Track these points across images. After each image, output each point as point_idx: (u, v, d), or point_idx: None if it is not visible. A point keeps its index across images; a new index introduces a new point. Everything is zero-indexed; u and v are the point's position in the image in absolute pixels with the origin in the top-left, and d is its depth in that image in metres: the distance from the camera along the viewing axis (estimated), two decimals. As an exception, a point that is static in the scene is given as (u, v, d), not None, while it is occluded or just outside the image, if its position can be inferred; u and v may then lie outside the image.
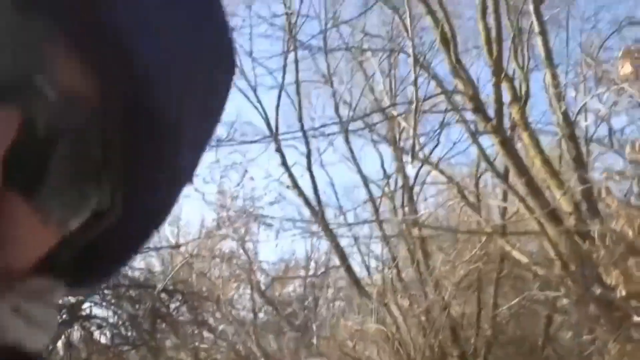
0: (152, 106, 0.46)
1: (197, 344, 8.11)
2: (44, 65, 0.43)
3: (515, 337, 9.71)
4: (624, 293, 5.70)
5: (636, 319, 5.86)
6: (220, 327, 8.98)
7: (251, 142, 9.14)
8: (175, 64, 0.48)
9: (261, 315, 10.17)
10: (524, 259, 8.43)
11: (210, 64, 0.52)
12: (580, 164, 8.42)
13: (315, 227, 9.74)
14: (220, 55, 0.53)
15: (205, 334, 8.37)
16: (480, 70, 11.28)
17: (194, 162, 0.55)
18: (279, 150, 9.32)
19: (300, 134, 9.17)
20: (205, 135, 0.55)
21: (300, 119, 9.39)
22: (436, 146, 9.72)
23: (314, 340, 8.93)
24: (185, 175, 0.54)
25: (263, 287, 10.10)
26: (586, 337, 7.11)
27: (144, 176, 0.50)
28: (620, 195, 6.24)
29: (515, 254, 8.49)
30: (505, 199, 9.14)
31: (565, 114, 8.34)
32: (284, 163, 9.41)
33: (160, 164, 0.50)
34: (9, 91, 0.42)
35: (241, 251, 9.95)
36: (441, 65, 11.06)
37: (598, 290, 6.42)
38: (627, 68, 6.33)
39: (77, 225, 0.48)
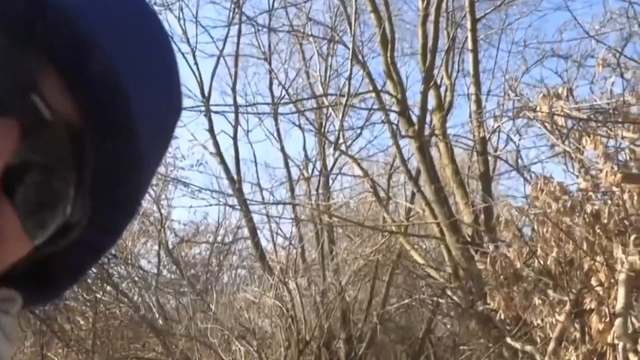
0: (124, 124, 0.50)
1: (98, 296, 8.17)
2: (38, 87, 0.46)
3: (399, 327, 10.38)
4: (502, 316, 6.26)
5: (509, 340, 6.49)
6: (123, 284, 9.06)
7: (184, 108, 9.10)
8: (145, 85, 0.52)
9: (165, 272, 10.31)
10: (419, 260, 9.01)
11: (170, 90, 0.58)
12: (486, 180, 9.05)
13: (230, 199, 9.92)
14: (176, 85, 0.59)
15: (108, 288, 8.44)
16: (410, 70, 11.69)
17: (150, 179, 0.58)
18: (207, 116, 9.38)
19: (231, 105, 9.23)
20: (163, 152, 0.60)
21: (234, 90, 9.47)
22: (357, 138, 10.10)
23: (212, 305, 9.19)
24: (144, 191, 0.57)
25: (171, 246, 10.22)
26: (463, 347, 7.75)
27: (109, 193, 0.52)
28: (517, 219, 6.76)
29: (413, 253, 9.07)
30: (412, 200, 9.65)
31: (482, 135, 8.88)
32: (211, 129, 9.48)
33: (125, 180, 0.53)
34: (9, 105, 0.45)
35: (154, 208, 10.06)
36: (376, 60, 11.36)
37: (481, 307, 7.01)
38: (544, 109, 6.89)
39: (44, 239, 0.50)
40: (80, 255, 0.56)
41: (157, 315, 8.86)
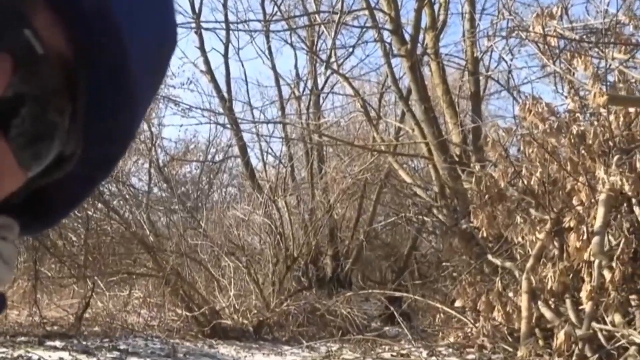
0: (117, 57, 0.51)
1: (89, 213, 8.26)
2: (31, 21, 0.47)
3: (385, 245, 10.58)
4: (485, 234, 6.38)
5: (490, 257, 6.64)
6: (115, 202, 9.13)
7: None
8: (138, 17, 0.52)
9: (155, 190, 10.38)
10: (407, 179, 9.10)
11: (165, 22, 0.57)
12: (477, 100, 9.01)
13: (221, 117, 9.88)
14: (171, 16, 0.59)
15: (100, 205, 8.50)
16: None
17: (144, 112, 0.59)
18: (198, 33, 9.20)
19: (222, 22, 9.03)
20: (157, 85, 0.60)
21: (225, 7, 9.24)
22: (349, 57, 9.96)
23: (202, 223, 9.32)
24: (137, 125, 0.58)
25: (161, 165, 10.24)
26: (446, 263, 7.93)
27: (103, 126, 0.54)
28: (504, 140, 6.79)
29: (401, 172, 9.14)
30: (403, 119, 9.63)
31: (473, 54, 8.78)
32: (202, 47, 9.32)
33: (119, 114, 0.54)
34: (0, 40, 0.45)
35: (145, 127, 9.98)
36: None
37: (464, 225, 7.13)
38: (537, 29, 6.79)
39: (39, 170, 0.51)
40: (74, 187, 0.57)
41: (147, 232, 8.98)
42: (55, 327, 7.58)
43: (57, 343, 7.06)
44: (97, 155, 0.55)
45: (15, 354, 6.30)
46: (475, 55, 8.92)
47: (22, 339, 6.87)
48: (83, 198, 0.61)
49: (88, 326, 8.43)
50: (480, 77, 9.22)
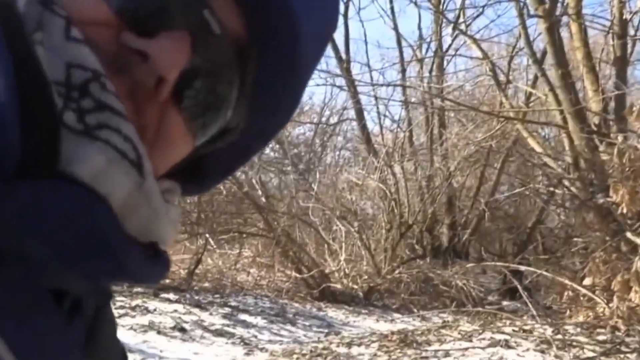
0: (289, 40, 0.53)
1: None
2: (210, 3, 0.50)
3: (508, 216, 9.98)
4: (625, 210, 5.80)
5: (629, 235, 6.02)
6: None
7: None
8: (309, 3, 0.54)
9: (268, 151, 10.32)
10: (537, 148, 8.44)
11: (331, 5, 0.59)
12: (622, 66, 8.15)
13: (338, 79, 9.62)
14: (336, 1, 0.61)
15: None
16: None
17: (305, 89, 0.61)
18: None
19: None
20: (318, 63, 0.62)
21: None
22: (479, 15, 9.33)
23: (314, 186, 9.16)
24: (299, 102, 0.61)
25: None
26: (578, 239, 7.32)
27: (267, 101, 0.56)
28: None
29: (530, 141, 8.49)
30: (534, 84, 8.94)
31: (621, 12, 7.92)
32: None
33: (283, 91, 0.57)
34: (183, 20, 0.49)
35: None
36: None
37: (601, 200, 6.52)
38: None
39: (205, 139, 0.54)
40: (232, 155, 0.60)
41: (259, 192, 8.95)
42: (168, 281, 7.74)
43: (171, 296, 7.23)
44: (257, 127, 0.58)
45: (133, 304, 6.49)
46: (623, 15, 8.04)
47: (139, 289, 7.05)
48: (238, 166, 0.63)
49: (199, 281, 8.58)
50: (628, 40, 8.31)
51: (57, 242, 0.42)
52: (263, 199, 9.10)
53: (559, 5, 8.41)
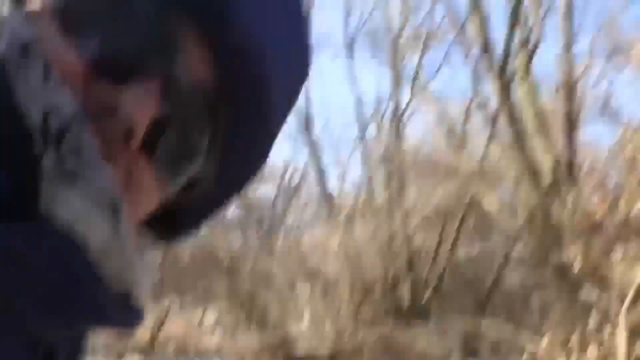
0: (259, 88, 0.53)
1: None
2: (181, 52, 0.50)
3: (467, 275, 10.05)
4: (578, 268, 5.90)
5: (583, 292, 6.11)
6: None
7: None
8: (277, 39, 0.54)
9: (231, 212, 10.33)
10: (492, 207, 8.59)
11: (303, 55, 0.59)
12: (571, 125, 8.42)
13: (299, 138, 9.77)
14: (309, 49, 0.60)
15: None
16: (493, 8, 10.98)
17: (276, 139, 0.61)
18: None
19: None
20: (289, 113, 0.61)
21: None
22: (436, 76, 9.62)
23: (277, 247, 9.17)
24: (271, 149, 0.60)
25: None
26: (534, 297, 7.40)
27: (239, 151, 0.56)
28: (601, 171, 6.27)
29: (487, 199, 8.65)
30: (489, 143, 9.17)
31: (569, 74, 8.26)
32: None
33: (255, 141, 0.56)
34: (153, 66, 0.49)
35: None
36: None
37: (556, 258, 6.63)
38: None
39: (176, 189, 0.54)
40: (204, 206, 0.59)
41: (223, 253, 8.93)
42: (132, 342, 7.62)
43: (135, 358, 7.13)
44: (229, 177, 0.58)
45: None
46: (570, 77, 8.38)
47: (102, 351, 6.95)
48: (212, 216, 0.61)
49: (163, 343, 8.45)
50: (576, 101, 8.63)
51: (33, 287, 0.41)
52: (227, 260, 9.07)
53: (510, 67, 8.75)
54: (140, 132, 0.48)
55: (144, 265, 0.51)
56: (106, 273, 0.45)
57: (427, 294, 9.21)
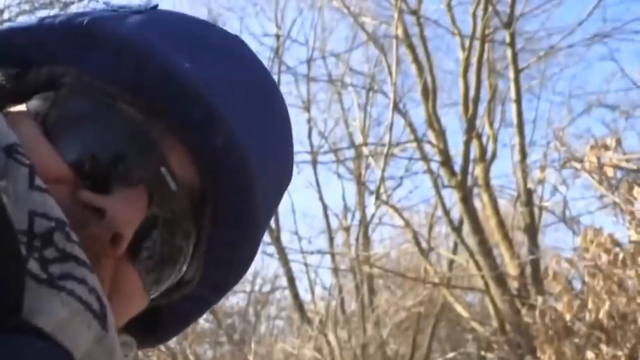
0: (245, 194, 0.54)
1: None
2: (166, 160, 0.51)
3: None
4: (553, 371, 6.02)
5: (561, 396, 6.22)
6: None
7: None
8: (265, 158, 0.55)
9: (201, 322, 10.22)
10: (463, 313, 8.79)
11: (286, 161, 0.61)
12: (532, 232, 8.85)
13: (268, 247, 9.92)
14: (291, 154, 0.63)
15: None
16: (450, 121, 11.69)
17: (260, 242, 0.61)
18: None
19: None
20: (272, 216, 0.63)
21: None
22: (398, 186, 10.06)
23: (250, 357, 9.04)
24: (255, 254, 0.60)
25: (208, 296, 10.14)
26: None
27: (224, 254, 0.57)
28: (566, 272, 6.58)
29: (457, 306, 8.85)
30: (455, 251, 9.49)
31: (526, 185, 8.76)
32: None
33: (240, 244, 0.57)
34: (140, 177, 0.50)
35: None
36: (416, 110, 11.37)
37: (529, 360, 6.77)
38: (592, 159, 6.77)
39: (160, 292, 0.55)
40: (189, 307, 0.60)
41: (195, 364, 8.74)
42: None
43: None
44: (214, 279, 0.58)
45: None
46: (527, 186, 8.89)
47: None
48: (195, 317, 0.63)
49: None
50: (535, 209, 9.11)
51: None
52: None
53: (469, 177, 9.23)
54: (127, 237, 0.48)
55: None
56: None
57: (403, 403, 9.16)
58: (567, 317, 6.27)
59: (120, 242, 0.48)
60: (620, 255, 6.16)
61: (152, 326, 0.60)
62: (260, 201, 0.55)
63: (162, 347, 8.68)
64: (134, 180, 0.50)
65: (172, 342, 9.38)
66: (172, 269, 0.54)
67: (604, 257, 6.25)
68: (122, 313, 0.51)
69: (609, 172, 6.81)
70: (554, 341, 6.24)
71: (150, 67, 0.51)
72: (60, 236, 0.44)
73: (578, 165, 7.22)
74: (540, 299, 6.93)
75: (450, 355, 8.60)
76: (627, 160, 7.01)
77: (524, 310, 7.50)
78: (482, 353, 8.38)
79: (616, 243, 6.41)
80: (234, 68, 0.56)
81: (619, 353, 5.81)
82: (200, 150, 0.52)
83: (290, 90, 10.43)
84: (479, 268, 8.52)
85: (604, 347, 6.06)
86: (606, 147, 6.76)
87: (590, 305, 6.25)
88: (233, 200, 0.54)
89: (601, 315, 6.14)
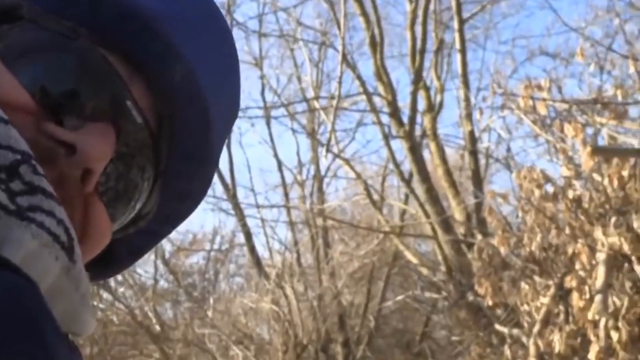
0: (200, 126, 0.54)
1: (95, 303, 8.24)
2: (131, 94, 0.51)
3: (396, 330, 10.34)
4: (490, 303, 6.30)
5: (497, 326, 6.51)
6: (120, 290, 9.16)
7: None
8: (218, 88, 0.56)
9: (161, 282, 10.39)
10: (414, 260, 9.04)
11: (236, 92, 0.63)
12: (477, 179, 9.10)
13: (225, 204, 10.04)
14: (239, 87, 0.64)
15: (105, 295, 8.51)
16: (399, 74, 11.80)
17: (212, 177, 0.62)
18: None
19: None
20: (221, 152, 0.63)
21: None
22: (350, 142, 10.21)
23: (210, 313, 9.23)
24: (208, 188, 0.62)
25: (167, 255, 10.34)
26: (455, 338, 7.76)
27: (178, 188, 0.57)
28: (507, 212, 6.83)
29: (407, 254, 9.10)
30: (406, 201, 9.70)
31: (471, 132, 8.96)
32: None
33: (194, 178, 0.58)
34: (107, 113, 0.50)
35: (150, 218, 10.00)
36: (366, 64, 11.47)
37: (471, 297, 7.04)
38: (527, 102, 6.97)
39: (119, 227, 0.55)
40: (141, 240, 0.62)
41: (154, 322, 8.90)
42: None
43: None
44: (167, 212, 0.59)
45: None
46: (471, 133, 9.10)
47: None
48: (147, 250, 0.65)
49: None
50: (480, 156, 9.34)
51: None
52: (158, 328, 9.02)
53: (417, 127, 9.42)
54: (98, 173, 0.48)
55: (89, 308, 0.50)
56: (56, 312, 0.43)
57: (360, 349, 9.43)
58: (502, 250, 6.51)
59: (91, 178, 0.48)
60: (552, 190, 6.40)
61: (105, 259, 0.59)
62: (214, 132, 0.56)
63: (123, 306, 8.86)
64: (100, 114, 0.50)
65: (132, 301, 9.54)
66: (134, 203, 0.54)
67: (537, 192, 6.50)
68: (94, 249, 0.52)
69: (542, 111, 7.02)
70: (491, 275, 6.49)
71: (106, 2, 0.52)
72: (26, 169, 0.43)
73: (513, 105, 7.43)
74: (480, 236, 7.17)
75: (400, 297, 8.86)
76: (561, 101, 7.23)
77: (467, 251, 7.76)
78: (432, 296, 8.65)
79: (548, 178, 6.65)
80: (190, 1, 0.58)
81: (550, 282, 6.06)
82: (159, 83, 0.53)
83: (241, 47, 10.45)
84: (427, 216, 8.72)
85: (537, 278, 6.32)
86: (540, 87, 6.97)
87: (524, 239, 6.50)
88: (189, 132, 0.55)
89: (534, 247, 6.40)
